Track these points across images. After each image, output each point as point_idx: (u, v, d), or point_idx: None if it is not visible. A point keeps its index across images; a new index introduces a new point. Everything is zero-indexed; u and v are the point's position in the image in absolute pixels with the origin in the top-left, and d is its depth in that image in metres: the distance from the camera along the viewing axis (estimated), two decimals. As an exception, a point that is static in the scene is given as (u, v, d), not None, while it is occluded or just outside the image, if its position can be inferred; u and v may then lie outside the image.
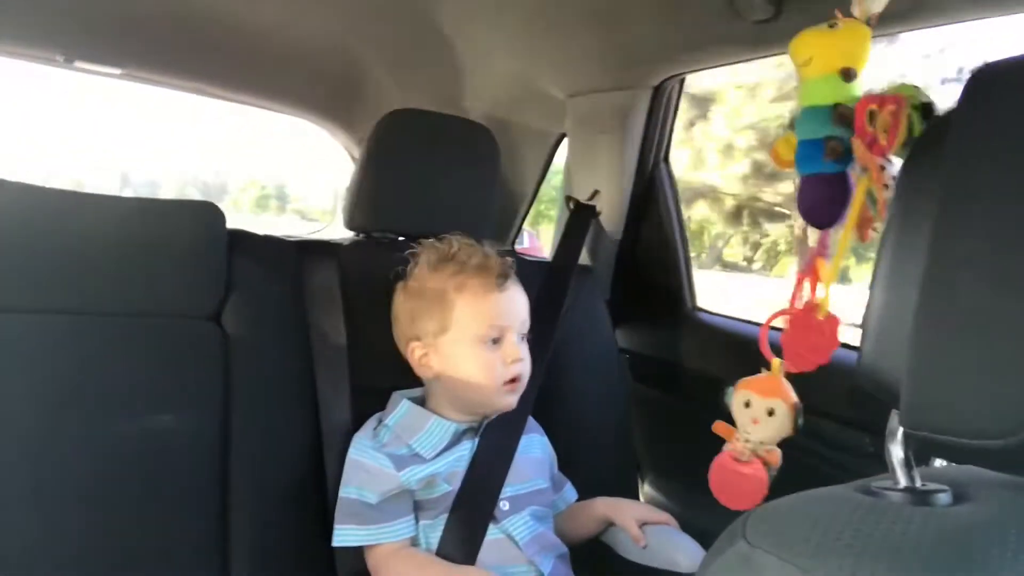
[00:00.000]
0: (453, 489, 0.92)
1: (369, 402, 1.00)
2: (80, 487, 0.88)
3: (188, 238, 1.00)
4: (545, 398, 1.06)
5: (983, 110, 0.40)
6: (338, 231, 1.58)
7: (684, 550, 0.93)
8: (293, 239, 1.15)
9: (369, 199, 1.11)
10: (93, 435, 0.89)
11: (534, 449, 1.02)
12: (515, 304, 0.97)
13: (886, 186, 0.71)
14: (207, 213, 1.02)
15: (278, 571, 0.94)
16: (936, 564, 0.34)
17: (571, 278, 1.17)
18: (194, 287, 0.99)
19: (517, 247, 1.86)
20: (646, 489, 1.21)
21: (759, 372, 1.19)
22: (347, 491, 0.92)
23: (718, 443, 1.23)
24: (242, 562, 0.92)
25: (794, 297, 0.83)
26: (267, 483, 0.96)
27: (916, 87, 0.71)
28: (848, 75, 0.77)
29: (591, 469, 1.09)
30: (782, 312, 0.84)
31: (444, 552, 0.90)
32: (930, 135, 0.47)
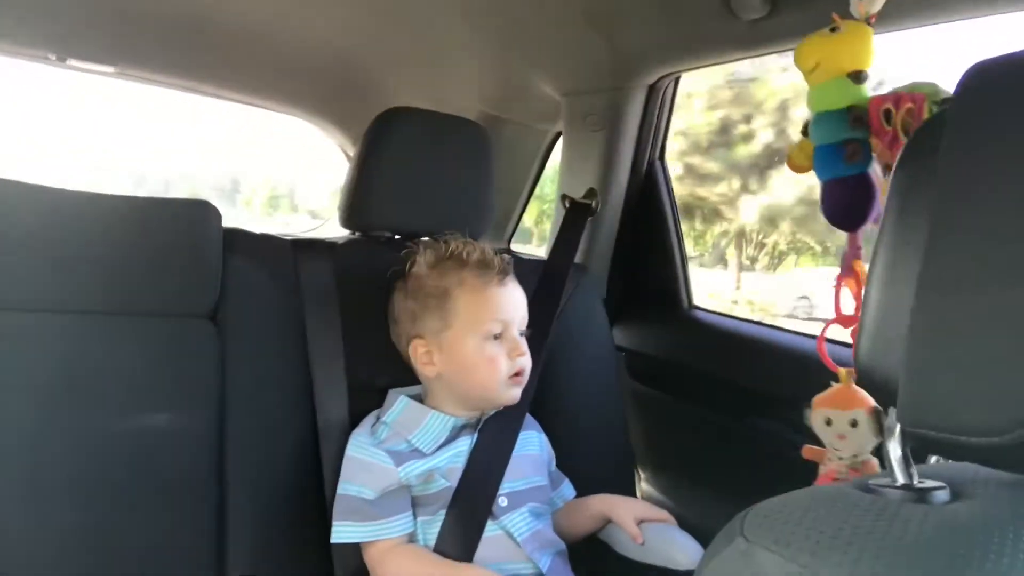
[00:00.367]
0: (451, 485, 0.92)
1: (366, 400, 1.01)
2: (75, 485, 0.88)
3: (184, 236, 1.00)
4: (542, 396, 1.06)
5: (978, 108, 0.41)
6: (334, 229, 1.58)
7: (682, 547, 0.93)
8: (289, 237, 1.15)
9: (364, 197, 1.11)
10: (89, 433, 0.89)
11: (532, 446, 1.02)
12: (515, 299, 0.98)
13: None
14: (203, 211, 1.01)
15: (275, 568, 0.94)
16: (934, 561, 0.34)
17: (567, 276, 1.17)
18: (189, 285, 0.99)
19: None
20: (643, 486, 1.21)
21: (756, 370, 1.20)
22: (345, 488, 0.92)
23: (715, 440, 1.24)
24: (239, 559, 0.92)
25: (837, 303, 0.82)
26: (263, 481, 0.96)
27: (934, 84, 0.71)
28: (859, 77, 0.77)
29: (588, 467, 1.09)
30: (833, 321, 0.83)
31: (442, 548, 0.90)
32: (925, 133, 0.47)
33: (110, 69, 1.74)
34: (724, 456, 1.20)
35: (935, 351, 0.39)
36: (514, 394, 0.96)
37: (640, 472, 1.25)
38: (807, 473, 0.91)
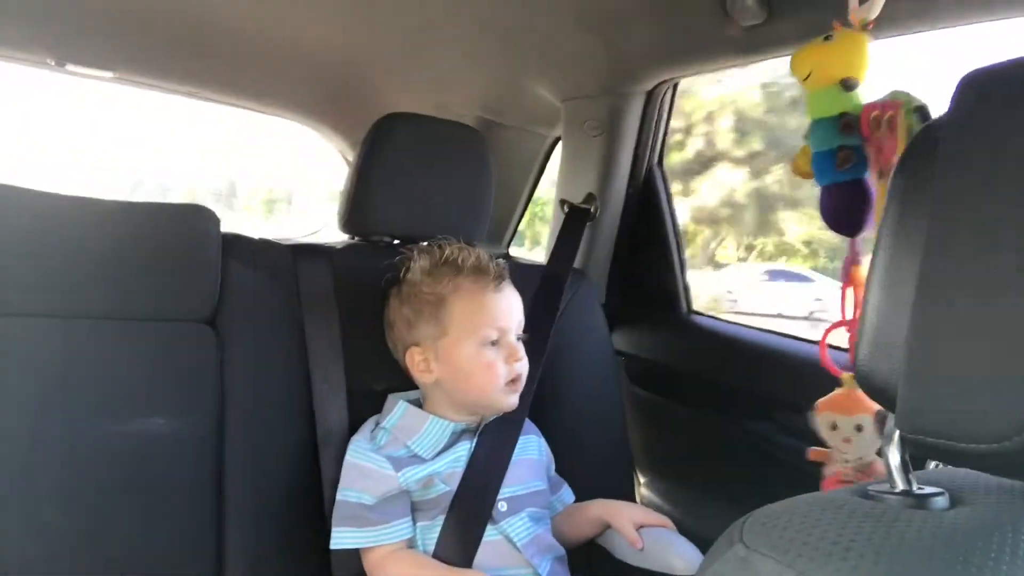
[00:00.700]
0: (451, 490, 0.92)
1: (365, 405, 1.00)
2: (73, 489, 0.87)
3: (182, 241, 1.00)
4: (541, 401, 1.06)
5: (974, 115, 0.41)
6: (333, 234, 1.58)
7: (681, 553, 0.93)
8: (287, 242, 1.15)
9: (363, 202, 1.11)
10: (87, 438, 0.89)
11: (531, 450, 1.02)
12: (511, 305, 0.97)
13: None
14: (200, 216, 1.01)
15: (273, 572, 0.94)
16: (933, 567, 0.34)
17: (566, 281, 1.17)
18: (188, 290, 0.99)
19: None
20: (642, 491, 1.21)
21: (754, 375, 1.20)
22: (345, 494, 0.91)
23: (714, 445, 1.24)
24: (237, 564, 0.92)
25: (843, 308, 0.83)
26: (262, 486, 0.95)
27: (908, 93, 0.72)
28: (848, 85, 0.78)
29: (587, 471, 1.09)
30: (837, 325, 0.84)
31: (441, 553, 0.90)
32: (922, 140, 0.48)
33: (109, 74, 1.74)
34: (723, 461, 1.20)
35: (933, 357, 0.39)
36: (512, 401, 0.96)
37: (639, 477, 1.25)
38: (806, 478, 0.91)
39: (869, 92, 0.81)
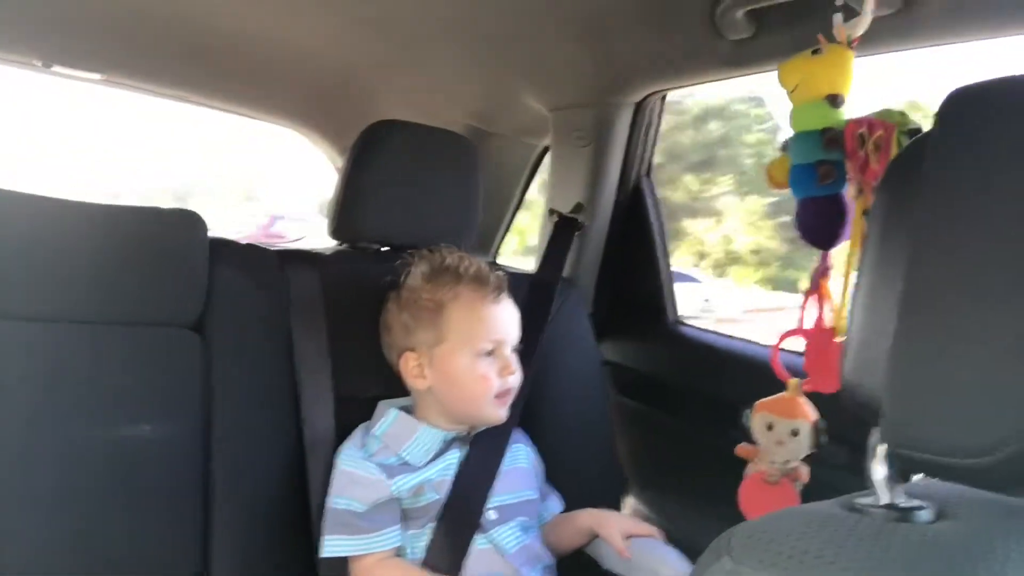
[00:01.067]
0: (440, 498, 0.92)
1: (352, 412, 1.00)
2: (60, 494, 0.86)
3: (169, 246, 0.99)
4: (530, 410, 1.06)
5: (959, 132, 0.42)
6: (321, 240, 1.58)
7: (669, 563, 0.93)
8: (275, 248, 1.14)
9: (352, 209, 1.11)
10: (72, 442, 0.88)
11: (521, 459, 1.02)
12: (510, 317, 0.98)
13: None
14: (188, 220, 1.01)
15: None
16: None
17: (555, 291, 1.17)
18: (174, 295, 0.98)
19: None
20: (631, 501, 1.21)
21: (740, 385, 1.20)
22: (335, 501, 0.91)
23: (702, 455, 1.24)
24: (223, 570, 0.91)
25: (802, 317, 0.84)
26: (248, 493, 0.95)
27: (903, 113, 0.73)
28: (835, 101, 0.79)
29: (575, 481, 1.09)
30: (792, 332, 0.86)
31: (430, 561, 0.90)
32: (907, 156, 0.48)
33: (96, 76, 1.73)
34: (711, 470, 1.20)
35: (918, 371, 0.40)
36: (501, 414, 0.96)
37: (627, 487, 1.25)
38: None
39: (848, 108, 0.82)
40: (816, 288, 0.84)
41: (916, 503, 0.43)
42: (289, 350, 1.01)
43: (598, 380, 1.23)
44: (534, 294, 1.15)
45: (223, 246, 1.04)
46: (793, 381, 0.84)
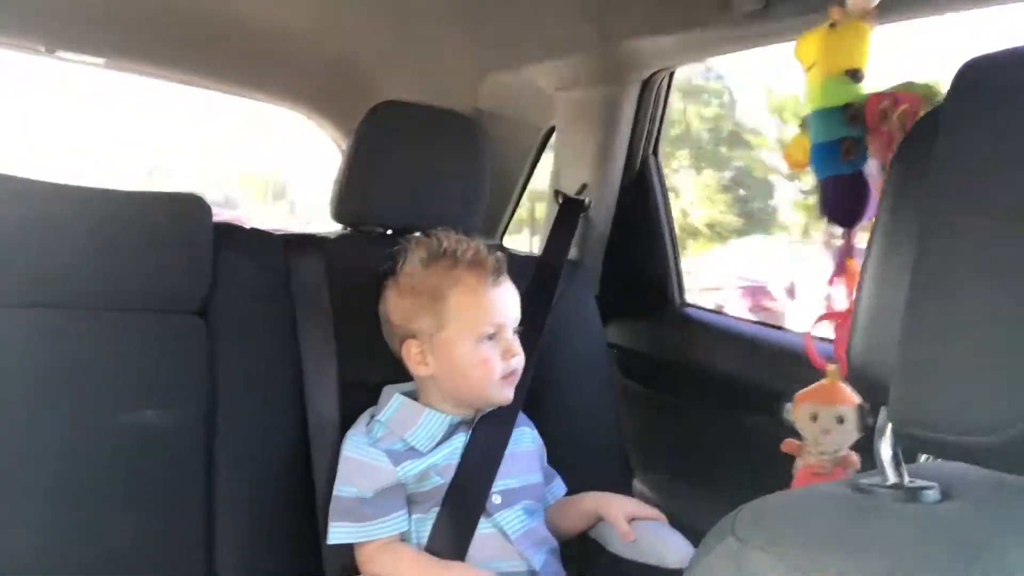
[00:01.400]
0: (445, 482, 0.92)
1: (357, 397, 1.00)
2: (63, 480, 0.87)
3: (173, 231, 0.99)
4: (534, 393, 1.05)
5: (972, 104, 0.40)
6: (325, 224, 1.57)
7: (673, 546, 0.93)
8: (279, 233, 1.14)
9: (356, 192, 1.10)
10: (77, 428, 0.88)
11: (525, 442, 1.02)
12: (510, 299, 0.97)
13: None
14: (193, 205, 1.00)
15: (264, 564, 0.94)
16: (925, 560, 0.34)
17: (560, 273, 1.16)
18: (179, 280, 0.98)
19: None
20: (635, 484, 1.21)
21: (747, 368, 1.20)
22: (342, 489, 0.91)
23: (707, 438, 1.24)
24: (228, 555, 0.92)
25: (829, 300, 0.83)
26: (253, 478, 0.95)
27: (928, 85, 0.71)
28: (856, 76, 0.77)
29: (580, 464, 1.09)
30: (825, 317, 0.84)
31: (434, 546, 0.90)
32: (920, 129, 0.47)
33: (100, 61, 1.73)
34: (716, 454, 1.20)
35: (928, 350, 0.38)
36: (507, 394, 0.96)
37: (632, 470, 1.25)
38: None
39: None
40: (842, 269, 0.82)
41: (923, 483, 0.42)
42: (294, 335, 1.00)
43: (604, 363, 1.22)
44: (539, 276, 1.14)
45: (227, 231, 1.04)
46: (831, 367, 0.82)
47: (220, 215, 1.06)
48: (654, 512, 0.99)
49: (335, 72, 1.75)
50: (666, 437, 1.31)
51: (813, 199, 0.88)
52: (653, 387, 1.37)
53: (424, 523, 0.91)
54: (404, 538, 0.91)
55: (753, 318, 1.42)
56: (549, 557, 0.95)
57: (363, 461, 0.91)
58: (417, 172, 1.11)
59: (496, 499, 0.94)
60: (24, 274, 0.90)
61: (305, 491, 0.95)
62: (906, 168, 0.46)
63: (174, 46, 1.68)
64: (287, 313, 1.01)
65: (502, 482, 0.95)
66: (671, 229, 1.42)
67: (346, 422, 0.98)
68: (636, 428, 1.33)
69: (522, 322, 0.99)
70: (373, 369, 1.02)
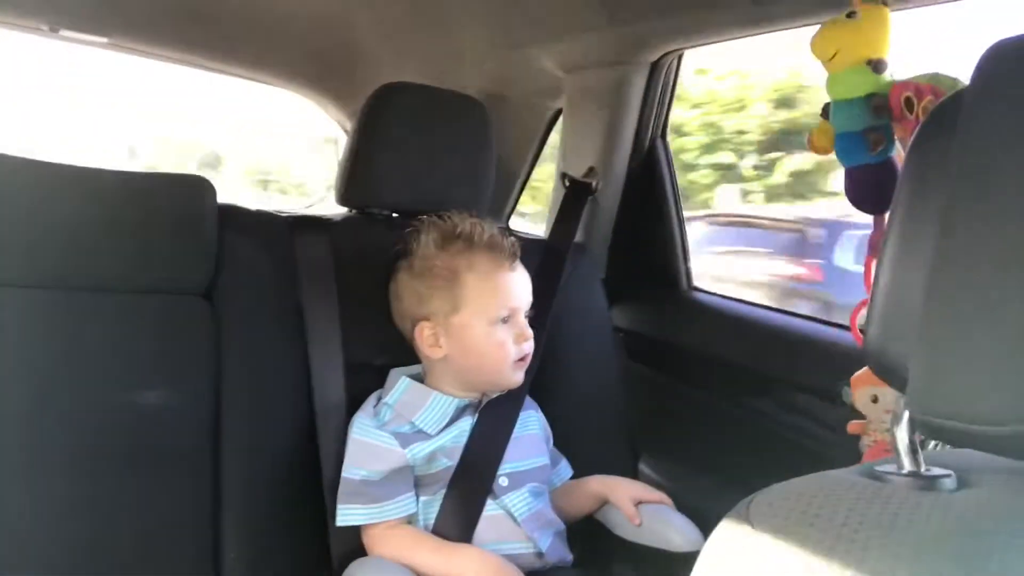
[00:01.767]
0: (452, 464, 0.92)
1: (363, 379, 1.00)
2: (69, 462, 0.87)
3: (178, 212, 0.98)
4: (541, 376, 1.05)
5: (997, 88, 0.39)
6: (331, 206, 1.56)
7: (678, 529, 0.94)
8: (285, 214, 1.13)
9: (361, 174, 1.10)
10: (82, 410, 0.89)
11: (532, 426, 1.02)
12: (524, 283, 0.97)
13: None
14: (198, 187, 1.00)
15: (271, 546, 0.94)
16: (942, 549, 0.34)
17: (567, 256, 1.15)
18: (184, 262, 0.98)
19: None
20: (641, 468, 1.21)
21: (755, 351, 1.19)
22: (350, 471, 0.91)
23: (714, 422, 1.24)
24: (234, 537, 0.92)
25: (868, 283, 0.84)
26: (259, 459, 0.95)
27: (955, 78, 0.71)
28: (879, 67, 0.77)
29: (586, 447, 1.09)
30: (866, 302, 0.85)
31: (441, 527, 0.90)
32: (940, 114, 0.46)
33: (103, 40, 1.71)
34: (722, 438, 1.20)
35: (947, 337, 0.38)
36: (518, 377, 0.96)
37: (638, 453, 1.25)
38: (806, 455, 0.92)
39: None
40: (877, 252, 0.83)
41: (939, 471, 0.42)
42: (299, 317, 1.00)
43: (610, 346, 1.22)
44: (546, 259, 1.14)
45: (233, 212, 1.04)
46: None
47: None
48: (660, 495, 0.99)
49: (341, 53, 1.74)
50: (672, 420, 1.31)
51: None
52: (659, 370, 1.37)
53: (431, 505, 0.91)
54: (411, 520, 0.91)
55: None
56: (555, 539, 0.95)
57: (372, 443, 0.91)
58: (422, 154, 1.10)
59: (503, 481, 0.94)
60: (29, 255, 0.90)
61: (311, 472, 0.95)
62: (923, 155, 0.46)
63: (178, 26, 1.67)
64: (293, 295, 1.01)
65: (509, 464, 0.95)
66: (679, 212, 1.41)
67: (352, 404, 0.98)
68: (642, 411, 1.33)
69: (531, 306, 0.99)
70: (378, 351, 1.02)
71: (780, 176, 2.69)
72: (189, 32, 1.71)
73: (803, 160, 2.50)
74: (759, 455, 1.08)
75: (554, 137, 1.69)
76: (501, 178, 1.67)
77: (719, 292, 1.40)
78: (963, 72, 0.71)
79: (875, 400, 0.84)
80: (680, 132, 2.23)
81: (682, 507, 0.98)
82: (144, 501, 0.90)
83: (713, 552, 0.41)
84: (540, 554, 0.92)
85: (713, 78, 2.71)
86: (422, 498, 0.92)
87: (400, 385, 0.96)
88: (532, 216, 1.99)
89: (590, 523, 1.02)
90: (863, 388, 0.85)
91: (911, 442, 0.43)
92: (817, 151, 0.86)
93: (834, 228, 2.71)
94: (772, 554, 0.37)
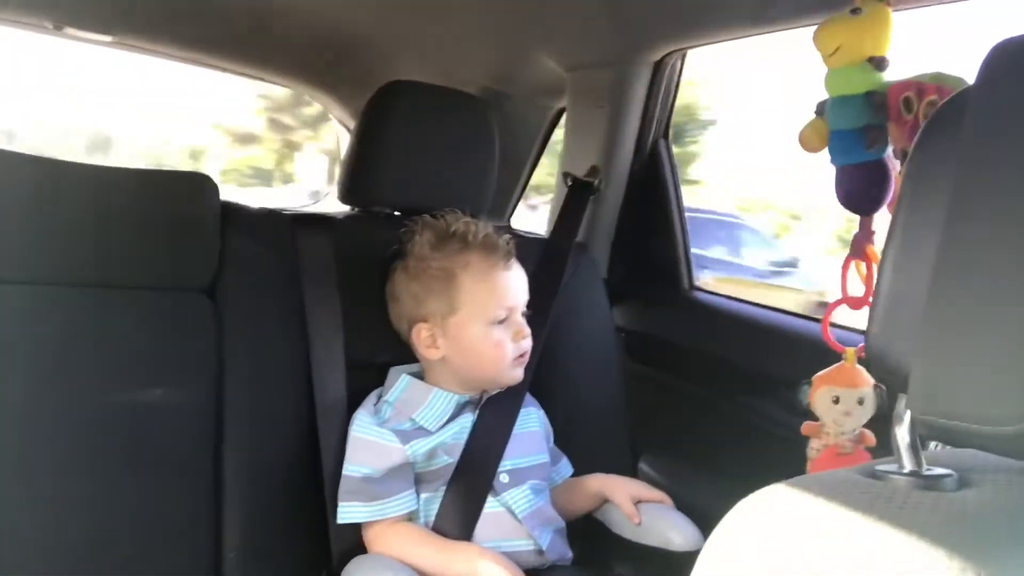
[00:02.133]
0: (453, 460, 0.92)
1: (364, 377, 1.00)
2: (70, 458, 0.87)
3: (181, 209, 0.98)
4: (541, 375, 1.05)
5: (1002, 88, 0.39)
6: (333, 204, 1.57)
7: (678, 528, 0.94)
8: (288, 212, 1.13)
9: (364, 173, 1.10)
10: (84, 406, 0.89)
11: (533, 423, 1.02)
12: (520, 283, 0.97)
13: None
14: (201, 184, 1.00)
15: (271, 542, 0.94)
16: (944, 549, 0.34)
17: (569, 255, 1.15)
18: (187, 259, 0.98)
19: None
20: (641, 467, 1.21)
21: (756, 352, 1.19)
22: (351, 469, 0.91)
23: (714, 421, 1.24)
24: (234, 533, 0.92)
25: (844, 284, 0.84)
26: (261, 456, 0.95)
27: (960, 78, 0.71)
28: (881, 65, 0.77)
29: (586, 446, 1.09)
30: (841, 302, 0.85)
31: (442, 524, 0.90)
32: (943, 115, 0.46)
33: (108, 39, 1.71)
34: (723, 438, 1.20)
35: (950, 337, 0.38)
36: (517, 374, 0.96)
37: (638, 452, 1.25)
38: (805, 454, 0.91)
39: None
40: (860, 254, 0.83)
41: (940, 471, 0.42)
42: (301, 315, 1.00)
43: (611, 345, 1.22)
44: (547, 259, 1.14)
45: (235, 210, 1.04)
46: (850, 350, 0.85)
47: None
48: (660, 495, 0.99)
49: (344, 51, 1.74)
50: (673, 420, 1.31)
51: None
52: (660, 370, 1.37)
53: (432, 502, 0.91)
54: (412, 518, 0.91)
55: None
56: (556, 537, 0.95)
57: (372, 441, 0.92)
58: (426, 153, 1.10)
59: (504, 478, 0.94)
60: (32, 251, 0.90)
61: (312, 470, 0.95)
62: (927, 155, 0.46)
63: (182, 24, 1.67)
64: (295, 292, 1.01)
65: (510, 461, 0.95)
66: (680, 212, 1.41)
67: (353, 401, 0.98)
68: (643, 411, 1.33)
69: (530, 304, 0.99)
70: (380, 349, 1.02)
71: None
72: (193, 30, 1.71)
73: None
74: (760, 455, 1.08)
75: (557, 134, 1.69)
76: (504, 176, 1.67)
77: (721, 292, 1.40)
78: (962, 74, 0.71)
79: (836, 401, 0.84)
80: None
81: (682, 506, 0.98)
82: (144, 498, 0.90)
83: (713, 551, 0.41)
84: (540, 551, 0.92)
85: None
86: (423, 495, 0.92)
87: (400, 383, 0.96)
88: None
89: (590, 521, 1.02)
90: (825, 388, 0.85)
91: (912, 441, 0.42)
92: (808, 149, 0.86)
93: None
94: (772, 554, 0.37)
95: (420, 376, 0.99)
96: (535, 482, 0.97)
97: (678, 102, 1.41)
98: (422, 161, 1.10)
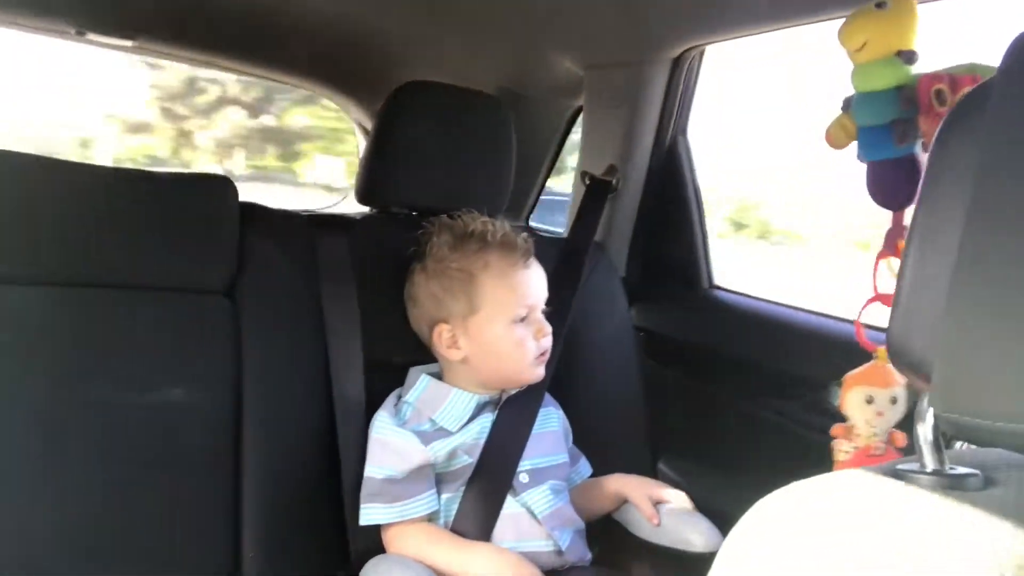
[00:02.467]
0: (473, 460, 0.92)
1: (383, 378, 1.00)
2: (90, 460, 0.88)
3: (200, 211, 0.99)
4: (560, 375, 1.05)
5: None
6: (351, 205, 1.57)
7: (698, 530, 0.93)
8: (306, 213, 1.14)
9: (381, 173, 1.10)
10: (104, 407, 0.89)
11: (552, 423, 1.02)
12: (539, 280, 0.97)
13: None
14: (219, 185, 1.01)
15: (290, 543, 0.95)
16: (970, 548, 0.33)
17: (587, 255, 1.15)
18: (206, 261, 0.98)
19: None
20: (660, 467, 1.20)
21: (777, 352, 1.18)
22: (372, 470, 0.91)
23: (734, 422, 1.22)
24: (253, 534, 0.93)
25: (875, 281, 0.82)
26: (280, 457, 0.96)
27: (994, 68, 0.69)
28: (911, 59, 0.76)
29: (605, 446, 1.08)
30: (875, 299, 0.84)
31: (461, 525, 0.90)
32: (966, 106, 0.45)
33: (128, 43, 1.74)
34: (743, 438, 1.19)
35: (972, 333, 0.37)
36: (539, 372, 0.96)
37: (657, 453, 1.24)
38: (828, 456, 0.90)
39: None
40: (893, 250, 0.81)
41: (965, 470, 0.41)
42: (319, 316, 1.01)
43: (630, 345, 1.21)
44: (566, 258, 1.14)
45: (254, 211, 1.05)
46: (881, 349, 0.83)
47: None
48: (679, 496, 0.98)
49: (361, 52, 1.75)
50: (692, 420, 1.30)
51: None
52: (679, 370, 1.36)
53: (452, 502, 0.91)
54: (432, 518, 0.91)
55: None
56: (575, 537, 0.95)
57: (393, 442, 0.92)
58: (443, 153, 1.10)
59: (524, 478, 0.94)
60: (52, 253, 0.91)
61: (331, 469, 0.95)
62: (949, 148, 0.45)
63: (201, 28, 1.69)
64: (313, 293, 1.02)
65: (529, 461, 0.95)
66: (700, 210, 1.40)
67: (372, 402, 0.98)
68: (662, 411, 1.32)
69: (549, 303, 0.99)
70: (398, 349, 1.02)
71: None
72: (213, 33, 1.73)
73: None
74: (781, 456, 1.06)
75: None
76: (521, 176, 1.67)
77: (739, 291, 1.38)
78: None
79: (870, 401, 0.82)
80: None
81: (702, 507, 0.97)
82: (163, 499, 0.90)
83: (731, 551, 0.40)
84: (560, 552, 0.92)
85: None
86: (443, 495, 0.92)
87: (420, 383, 0.96)
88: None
89: (609, 522, 1.02)
90: (857, 388, 0.83)
91: (935, 440, 0.42)
92: (834, 146, 0.84)
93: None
94: (792, 554, 0.37)
95: (439, 376, 0.99)
96: (555, 482, 0.96)
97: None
98: (439, 162, 1.10)
